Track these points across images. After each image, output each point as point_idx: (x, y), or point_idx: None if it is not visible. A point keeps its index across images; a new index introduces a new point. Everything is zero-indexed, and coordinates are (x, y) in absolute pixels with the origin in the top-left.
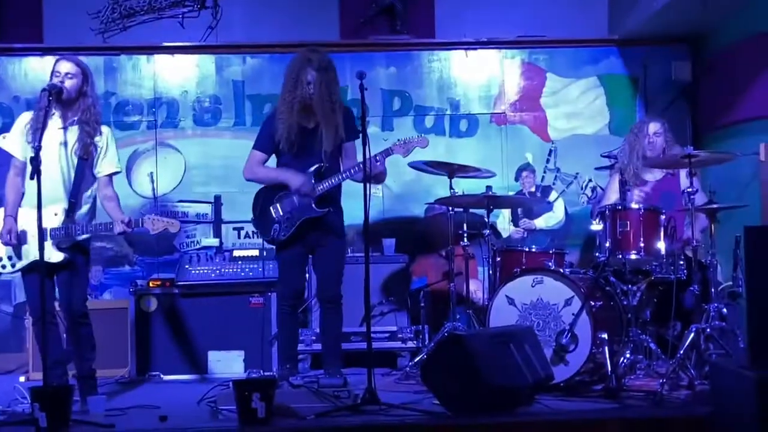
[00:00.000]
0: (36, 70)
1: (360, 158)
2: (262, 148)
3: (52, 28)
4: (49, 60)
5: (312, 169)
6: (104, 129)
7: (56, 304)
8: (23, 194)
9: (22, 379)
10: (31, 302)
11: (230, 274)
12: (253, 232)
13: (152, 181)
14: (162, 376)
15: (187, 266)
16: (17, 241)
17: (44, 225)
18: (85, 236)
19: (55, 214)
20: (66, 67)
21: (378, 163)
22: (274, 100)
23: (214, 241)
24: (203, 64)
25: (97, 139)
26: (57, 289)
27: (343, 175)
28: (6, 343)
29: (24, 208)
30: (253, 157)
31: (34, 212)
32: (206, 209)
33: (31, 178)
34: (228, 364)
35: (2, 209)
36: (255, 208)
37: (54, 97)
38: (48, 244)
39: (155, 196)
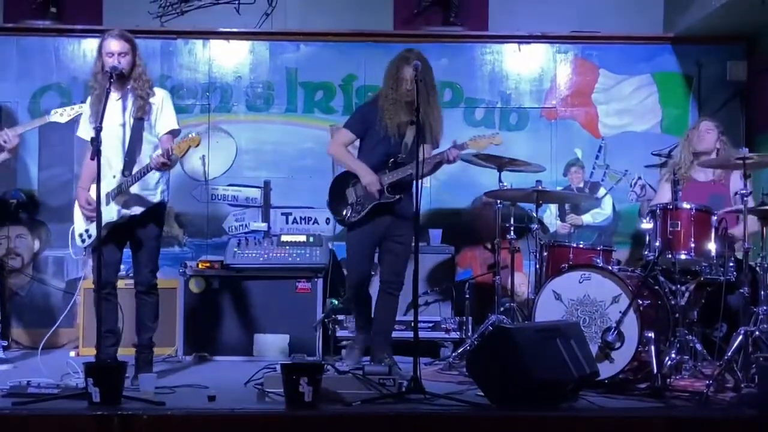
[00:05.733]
0: (94, 52)
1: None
2: (354, 131)
3: (111, 11)
4: None
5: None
6: (159, 91)
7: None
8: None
9: (72, 354)
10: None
11: (278, 258)
12: (300, 217)
13: (204, 164)
14: (208, 356)
15: (235, 249)
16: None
17: (106, 190)
18: (157, 200)
19: (114, 177)
20: (117, 45)
21: (451, 157)
22: (327, 87)
23: (262, 226)
24: (257, 50)
25: (151, 99)
26: (132, 259)
27: (410, 171)
28: (57, 318)
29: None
30: (341, 136)
31: (103, 184)
32: (255, 194)
33: (92, 158)
34: (273, 347)
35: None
36: (332, 191)
37: (115, 78)
38: (112, 207)
39: (206, 179)
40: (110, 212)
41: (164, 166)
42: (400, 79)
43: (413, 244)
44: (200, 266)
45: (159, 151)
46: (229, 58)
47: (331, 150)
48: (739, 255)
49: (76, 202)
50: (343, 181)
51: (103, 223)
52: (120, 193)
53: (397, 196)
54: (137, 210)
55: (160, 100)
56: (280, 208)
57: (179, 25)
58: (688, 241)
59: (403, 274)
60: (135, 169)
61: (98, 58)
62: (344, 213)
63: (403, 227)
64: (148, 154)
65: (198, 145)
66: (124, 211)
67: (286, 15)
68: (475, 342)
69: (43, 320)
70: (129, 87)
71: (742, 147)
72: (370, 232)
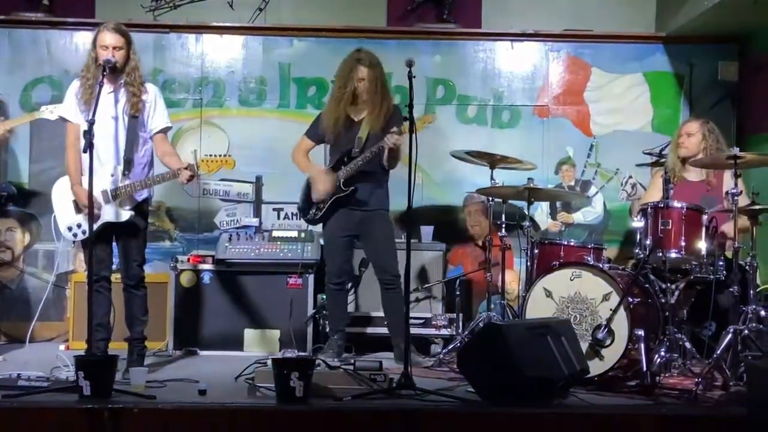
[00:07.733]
0: (87, 45)
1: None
2: (309, 136)
3: (103, 4)
4: None
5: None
6: (150, 87)
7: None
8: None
9: (62, 347)
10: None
11: (269, 253)
12: (292, 213)
13: (195, 159)
14: (199, 351)
15: (226, 244)
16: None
17: (104, 187)
18: (144, 196)
19: (112, 175)
20: (112, 39)
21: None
22: (320, 83)
23: (253, 221)
24: (250, 45)
25: (144, 96)
26: (118, 254)
27: (360, 162)
28: (47, 311)
29: (86, 177)
30: (300, 143)
31: (95, 179)
32: (247, 189)
33: (84, 151)
34: (263, 342)
35: (66, 179)
36: (303, 192)
37: (108, 71)
38: (111, 207)
39: (198, 174)
40: (108, 213)
41: (191, 179)
42: (351, 78)
43: (401, 236)
44: (191, 261)
45: (182, 164)
46: (221, 52)
47: (292, 156)
48: (729, 254)
49: (60, 194)
50: (310, 185)
51: (101, 222)
52: (118, 195)
53: (351, 188)
54: (130, 212)
55: (153, 96)
56: (271, 203)
57: (172, 19)
58: (679, 240)
59: (393, 268)
60: (134, 170)
61: (92, 50)
62: (311, 212)
63: (375, 221)
64: (142, 155)
65: (233, 167)
66: (122, 212)
67: (280, 10)
68: (466, 339)
69: (33, 314)
70: (121, 81)
71: (733, 147)
72: (339, 228)
